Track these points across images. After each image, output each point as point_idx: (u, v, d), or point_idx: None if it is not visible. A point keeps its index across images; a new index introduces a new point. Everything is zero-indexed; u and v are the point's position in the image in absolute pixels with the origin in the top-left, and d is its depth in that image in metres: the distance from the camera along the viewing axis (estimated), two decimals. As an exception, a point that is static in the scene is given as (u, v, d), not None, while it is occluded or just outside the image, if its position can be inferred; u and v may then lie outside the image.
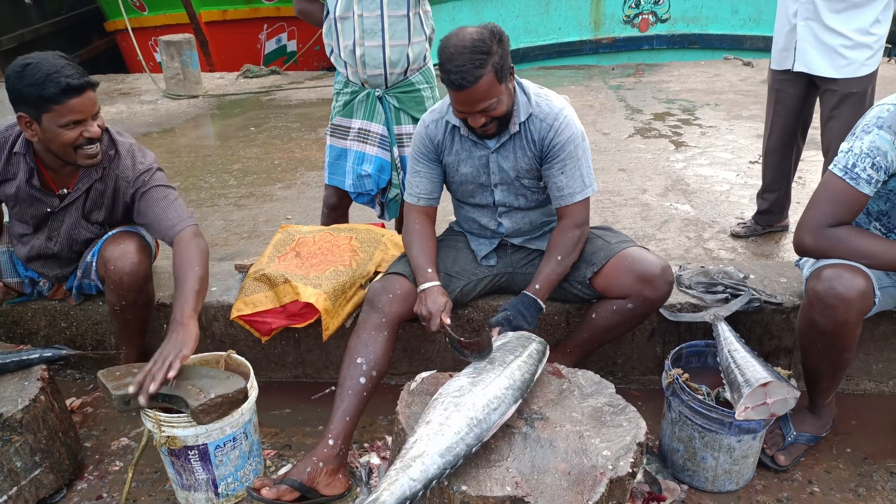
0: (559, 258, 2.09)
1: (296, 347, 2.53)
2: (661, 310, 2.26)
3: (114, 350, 2.51)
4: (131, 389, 1.76)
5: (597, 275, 2.12)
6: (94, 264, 2.25)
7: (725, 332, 2.04)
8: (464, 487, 1.46)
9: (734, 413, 1.80)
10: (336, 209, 2.90)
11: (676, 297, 2.35)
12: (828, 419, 2.14)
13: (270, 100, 6.58)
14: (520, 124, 2.06)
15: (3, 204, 2.28)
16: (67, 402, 2.34)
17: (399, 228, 2.92)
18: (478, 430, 1.51)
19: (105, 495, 2.04)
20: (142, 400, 1.74)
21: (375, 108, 2.65)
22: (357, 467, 2.07)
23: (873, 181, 1.81)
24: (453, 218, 2.41)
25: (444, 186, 2.28)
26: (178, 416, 1.82)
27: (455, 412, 1.54)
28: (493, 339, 1.83)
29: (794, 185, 3.29)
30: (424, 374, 1.84)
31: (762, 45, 8.00)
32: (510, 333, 1.92)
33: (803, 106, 3.00)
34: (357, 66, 2.58)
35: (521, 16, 8.11)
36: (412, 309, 2.07)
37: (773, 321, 2.34)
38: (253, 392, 1.97)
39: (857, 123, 1.87)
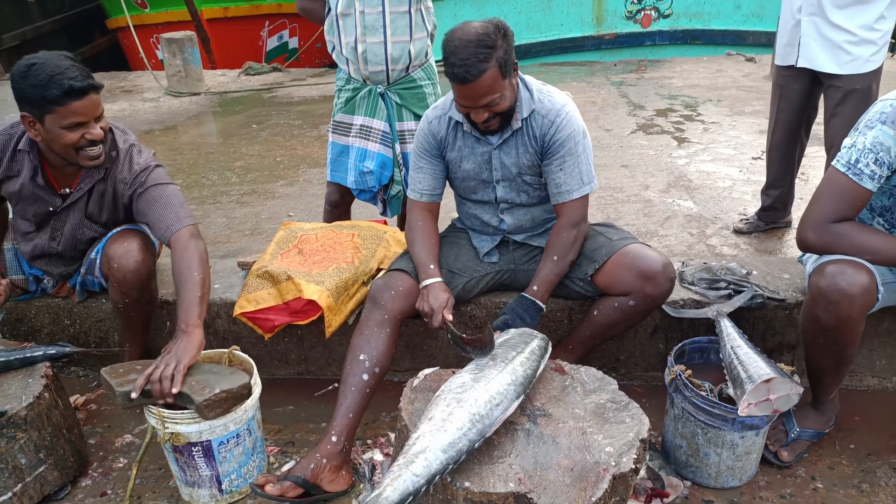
0: (556, 258, 2.09)
1: (299, 344, 2.54)
2: (663, 306, 2.26)
3: (117, 347, 2.51)
4: (133, 395, 1.77)
5: (598, 272, 2.12)
6: (97, 262, 2.25)
7: (728, 329, 2.04)
8: (467, 484, 1.46)
9: (737, 409, 1.80)
10: (338, 206, 2.90)
11: (679, 293, 2.35)
12: (831, 415, 2.14)
13: (272, 97, 6.58)
14: (522, 120, 2.05)
15: (7, 201, 2.28)
16: (71, 399, 2.35)
17: (401, 225, 2.93)
18: (480, 426, 1.52)
19: (109, 492, 2.05)
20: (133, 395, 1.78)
21: (377, 105, 2.65)
22: (360, 464, 2.08)
23: (876, 177, 1.80)
24: (456, 215, 2.41)
25: (447, 183, 2.28)
26: (182, 413, 1.83)
27: (457, 408, 1.54)
28: (494, 335, 1.83)
29: (797, 181, 3.29)
30: (427, 371, 1.84)
31: (765, 41, 7.98)
32: (512, 330, 1.92)
33: (807, 102, 2.99)
34: (359, 62, 2.58)
35: (522, 12, 8.10)
36: (415, 305, 2.07)
37: (775, 317, 2.34)
38: (256, 389, 1.97)
39: (860, 119, 1.87)
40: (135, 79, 7.46)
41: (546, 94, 2.07)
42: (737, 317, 2.21)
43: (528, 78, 2.09)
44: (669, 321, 2.35)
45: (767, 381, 1.77)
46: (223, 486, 1.96)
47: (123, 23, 8.28)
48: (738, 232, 3.32)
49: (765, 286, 2.36)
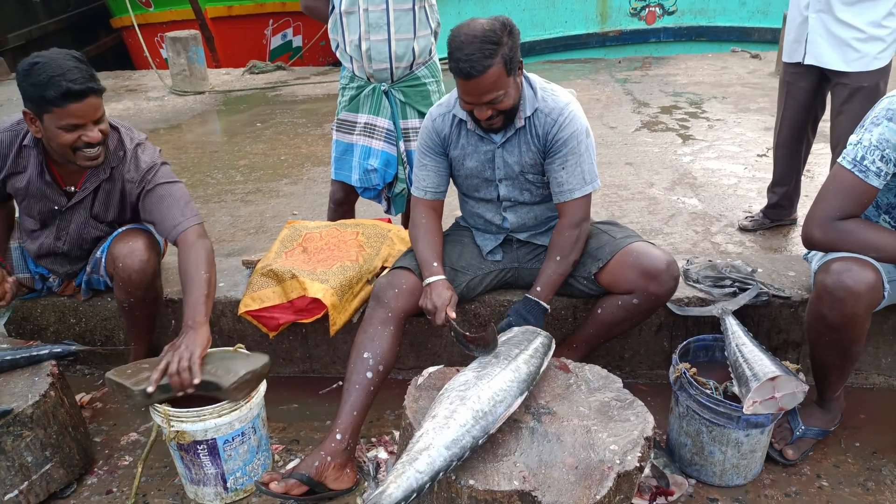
0: (558, 258, 2.08)
1: (303, 343, 2.54)
2: (668, 304, 2.25)
3: (122, 346, 2.52)
4: (150, 389, 1.78)
5: (602, 270, 2.11)
6: (103, 261, 2.26)
7: (733, 326, 2.04)
8: (471, 482, 1.47)
9: (742, 407, 1.79)
10: (342, 204, 2.90)
11: (684, 291, 2.34)
12: (836, 413, 2.13)
13: (276, 95, 6.58)
14: (525, 119, 2.05)
15: (13, 199, 2.29)
16: (77, 397, 2.36)
17: (405, 223, 2.93)
18: (483, 423, 1.52)
19: (115, 490, 2.06)
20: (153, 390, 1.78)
21: (381, 103, 2.65)
22: (365, 461, 2.08)
23: (882, 174, 1.79)
24: (459, 213, 2.41)
25: (451, 180, 2.28)
26: (187, 411, 1.83)
27: (461, 405, 1.54)
28: (497, 334, 1.83)
29: (802, 178, 3.27)
30: (431, 369, 1.84)
31: (770, 38, 7.95)
32: (515, 328, 1.92)
33: (814, 99, 2.97)
34: (363, 60, 2.58)
35: (527, 9, 8.09)
36: (418, 303, 2.07)
37: (781, 315, 2.33)
38: (261, 387, 1.98)
39: (866, 116, 1.86)
40: (139, 78, 7.48)
41: (550, 93, 2.07)
42: (742, 314, 2.20)
43: (532, 76, 2.08)
44: (674, 319, 2.35)
45: (773, 378, 1.76)
46: (228, 484, 1.96)
47: (128, 22, 8.30)
48: (743, 229, 3.31)
49: (770, 284, 2.35)
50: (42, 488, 1.95)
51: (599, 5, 8.37)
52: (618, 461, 1.51)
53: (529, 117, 2.05)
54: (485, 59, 1.84)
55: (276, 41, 9.29)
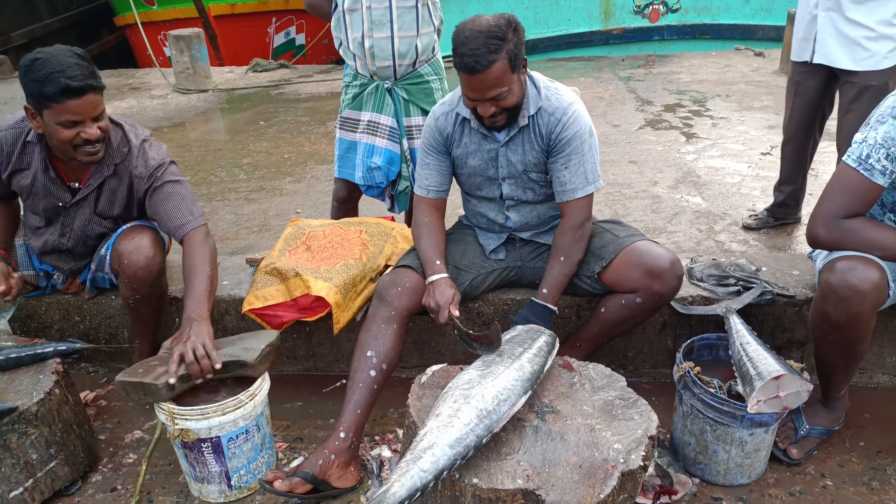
0: (562, 259, 2.08)
1: (307, 341, 2.54)
2: (672, 303, 2.25)
3: (127, 344, 2.53)
4: (172, 380, 1.80)
5: (606, 269, 2.11)
6: (108, 258, 2.26)
7: (737, 325, 2.03)
8: (475, 480, 1.47)
9: (746, 406, 1.79)
10: (346, 202, 2.90)
11: (688, 289, 2.34)
12: (841, 412, 2.12)
13: (279, 94, 6.58)
14: (529, 118, 2.05)
15: (19, 197, 2.30)
16: (81, 395, 2.37)
17: (409, 221, 2.93)
18: (487, 422, 1.52)
19: (119, 487, 2.06)
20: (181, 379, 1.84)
21: (385, 101, 2.65)
22: (368, 460, 2.08)
23: (888, 172, 1.78)
24: (462, 212, 2.41)
25: (454, 179, 2.28)
26: (192, 409, 1.84)
27: (464, 404, 1.54)
28: (501, 332, 1.83)
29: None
30: (435, 368, 1.84)
31: (774, 35, 7.92)
32: (519, 327, 1.92)
33: (822, 98, 2.95)
34: (366, 58, 2.57)
35: (530, 7, 8.07)
36: (422, 302, 2.07)
37: (785, 314, 2.33)
38: (265, 385, 1.98)
39: (872, 113, 1.85)
40: (143, 76, 7.49)
41: (554, 92, 2.06)
42: (746, 313, 2.20)
43: (535, 75, 2.08)
44: (678, 318, 2.35)
45: (777, 377, 1.76)
46: (232, 482, 1.97)
47: (131, 20, 8.31)
48: (747, 228, 3.30)
49: (774, 282, 2.35)
50: (47, 486, 1.96)
51: (603, 3, 8.35)
52: (621, 460, 1.51)
53: (533, 116, 2.05)
54: (489, 54, 1.83)
55: (279, 39, 9.29)
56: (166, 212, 2.14)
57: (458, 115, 2.11)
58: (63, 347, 2.07)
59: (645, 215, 3.50)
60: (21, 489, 1.90)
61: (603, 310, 2.13)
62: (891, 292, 1.84)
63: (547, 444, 1.57)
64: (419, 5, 2.52)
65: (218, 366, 1.86)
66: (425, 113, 2.63)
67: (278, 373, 2.54)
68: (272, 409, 2.10)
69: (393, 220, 2.71)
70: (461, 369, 1.76)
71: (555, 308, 2.06)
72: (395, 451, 2.12)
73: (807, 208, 3.29)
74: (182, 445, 1.91)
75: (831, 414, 2.10)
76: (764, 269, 2.45)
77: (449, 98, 2.17)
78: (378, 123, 2.68)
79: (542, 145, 2.07)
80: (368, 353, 2.00)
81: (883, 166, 1.78)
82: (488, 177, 2.17)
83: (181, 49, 6.59)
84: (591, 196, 2.09)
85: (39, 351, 2.04)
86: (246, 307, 2.35)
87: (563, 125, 2.03)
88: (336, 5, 2.59)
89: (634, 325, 2.18)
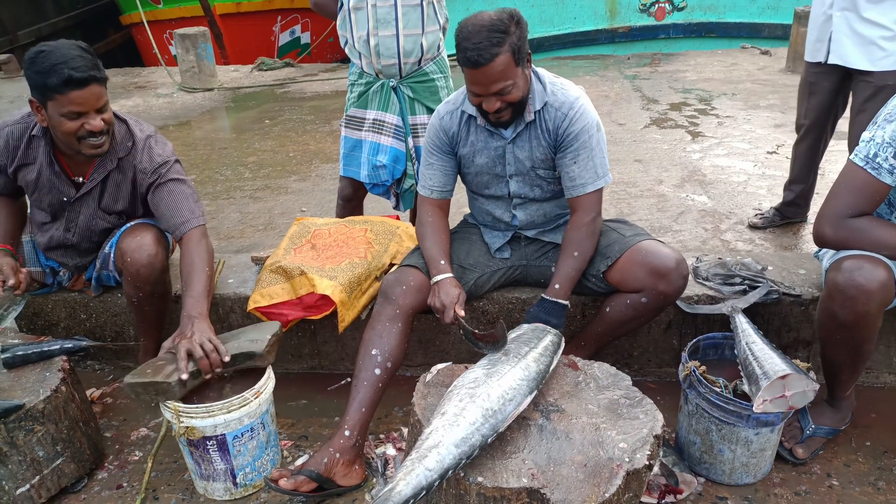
0: (576, 254, 2.07)
1: (312, 339, 2.55)
2: (677, 302, 2.25)
3: (132, 341, 2.54)
4: (184, 376, 1.81)
5: (611, 268, 2.10)
6: (111, 256, 2.27)
7: (743, 325, 2.03)
8: (480, 479, 1.47)
9: (752, 406, 1.78)
10: (351, 200, 2.91)
11: (693, 289, 2.33)
12: (847, 412, 2.12)
13: (285, 92, 6.59)
14: (535, 113, 2.04)
15: (25, 194, 2.31)
16: (88, 392, 2.38)
17: (413, 219, 2.93)
18: (493, 421, 1.52)
19: (125, 484, 2.07)
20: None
21: (390, 99, 2.65)
22: (373, 458, 2.08)
23: (895, 171, 1.78)
24: (468, 210, 2.41)
25: (459, 178, 2.27)
26: (197, 407, 1.84)
27: (470, 403, 1.54)
28: (506, 331, 1.83)
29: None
30: (440, 366, 1.84)
31: (780, 34, 7.90)
32: (525, 325, 1.92)
33: (836, 99, 2.91)
34: (371, 56, 2.57)
35: (535, 5, 8.06)
36: (427, 301, 2.07)
37: (791, 313, 2.32)
38: (270, 383, 1.99)
39: (879, 112, 1.84)
40: (148, 75, 7.50)
41: (559, 87, 2.06)
42: (752, 312, 2.19)
43: (540, 70, 2.07)
44: (683, 317, 2.34)
45: (783, 377, 1.75)
46: (237, 480, 1.97)
47: (137, 19, 8.34)
48: (752, 227, 3.29)
49: (780, 281, 2.34)
50: (53, 483, 1.97)
51: (609, 2, 8.34)
52: (627, 459, 1.50)
53: (539, 111, 2.04)
54: (492, 48, 1.83)
55: (284, 38, 9.31)
56: (167, 209, 2.16)
57: (463, 113, 2.11)
58: (69, 345, 2.08)
59: (650, 214, 3.50)
60: (28, 486, 1.91)
61: (608, 309, 2.13)
62: (898, 292, 1.83)
63: (552, 442, 1.57)
64: (424, 4, 2.52)
65: (227, 359, 1.88)
66: (430, 111, 2.63)
67: (283, 371, 2.55)
68: (277, 408, 2.10)
69: (398, 218, 2.71)
70: (466, 368, 1.76)
71: (567, 303, 2.05)
72: (399, 449, 2.12)
73: (814, 207, 3.28)
74: (187, 443, 1.91)
75: (837, 413, 2.09)
76: (770, 268, 2.44)
77: (454, 97, 2.16)
78: (383, 122, 2.68)
79: (550, 141, 2.06)
80: (373, 352, 2.00)
81: (891, 165, 1.77)
82: (496, 174, 2.16)
83: (187, 48, 6.60)
84: (601, 191, 2.09)
85: (46, 348, 2.04)
86: (251, 305, 2.35)
87: (570, 120, 2.02)
88: (342, 4, 2.59)
89: (640, 324, 2.17)
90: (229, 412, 1.86)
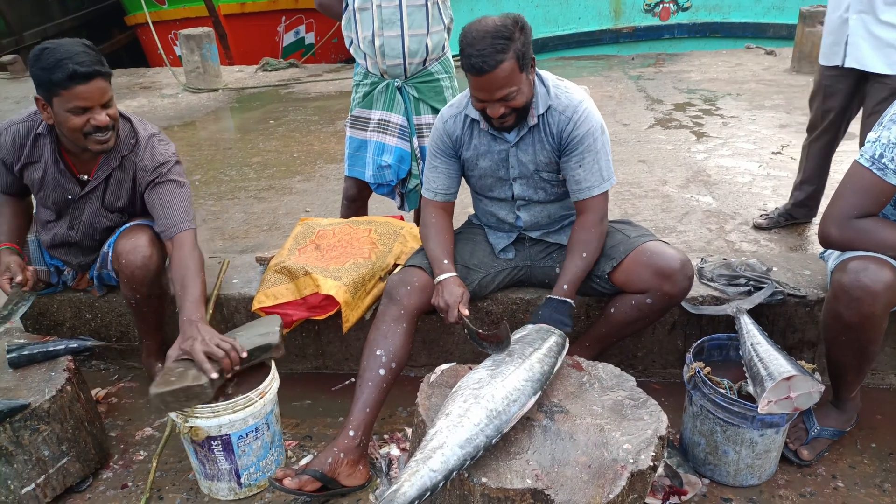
0: (584, 255, 2.06)
1: (316, 339, 2.55)
2: (682, 303, 2.24)
3: (137, 341, 2.54)
4: (215, 375, 1.82)
5: (616, 269, 2.10)
6: (109, 256, 2.28)
7: (748, 325, 2.02)
8: (484, 479, 1.47)
9: (757, 407, 1.78)
10: (356, 200, 2.91)
11: (698, 289, 2.33)
12: (852, 413, 2.11)
13: (289, 93, 6.60)
14: (538, 117, 2.04)
15: (31, 193, 2.32)
16: (93, 392, 2.38)
17: (418, 220, 2.93)
18: (497, 422, 1.51)
19: (130, 484, 2.08)
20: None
21: (395, 99, 2.65)
22: (377, 458, 2.08)
23: (901, 172, 1.77)
24: (472, 210, 2.41)
25: (463, 180, 2.27)
26: (202, 407, 1.84)
27: (474, 404, 1.54)
28: (510, 331, 1.82)
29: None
30: (444, 367, 1.84)
31: (785, 34, 7.87)
32: (529, 326, 1.92)
33: (851, 101, 2.88)
34: (376, 56, 2.58)
35: (540, 5, 8.05)
36: (431, 301, 2.07)
37: (796, 314, 2.32)
38: (275, 383, 1.99)
39: (886, 113, 1.84)
40: (153, 75, 7.53)
41: (563, 90, 2.06)
42: (757, 313, 2.18)
43: (544, 73, 2.07)
44: (688, 318, 2.34)
45: (788, 378, 1.75)
46: (242, 480, 1.97)
47: (142, 19, 8.36)
48: (757, 228, 3.28)
49: (785, 282, 2.33)
50: (58, 482, 1.97)
51: (613, 2, 8.32)
52: (631, 460, 1.50)
53: (543, 115, 2.04)
54: (497, 54, 1.83)
55: (288, 38, 9.32)
56: (162, 208, 2.16)
57: (466, 116, 2.11)
58: (74, 345, 2.08)
59: (655, 215, 3.49)
60: (33, 485, 1.91)
61: (613, 310, 2.12)
62: (904, 293, 1.82)
63: (556, 443, 1.56)
64: (429, 4, 2.52)
65: (244, 354, 1.90)
66: (436, 111, 2.63)
67: (288, 371, 2.55)
68: (281, 408, 2.11)
69: (402, 218, 2.71)
70: (470, 368, 1.76)
71: (573, 302, 2.04)
72: (403, 449, 2.12)
73: (820, 209, 3.27)
74: (192, 443, 1.92)
75: (843, 415, 2.08)
76: (775, 268, 2.43)
77: (457, 100, 2.16)
78: (388, 122, 2.68)
79: (554, 144, 2.06)
80: (378, 352, 2.00)
81: (897, 166, 1.76)
82: (499, 178, 2.16)
83: (191, 48, 6.62)
84: (606, 193, 2.09)
85: (51, 348, 2.05)
86: (256, 305, 2.35)
87: (574, 123, 2.02)
88: (346, 4, 2.60)
89: (644, 325, 2.17)
90: (234, 412, 1.86)
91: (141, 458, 2.19)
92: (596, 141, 2.03)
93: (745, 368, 1.91)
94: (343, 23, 2.66)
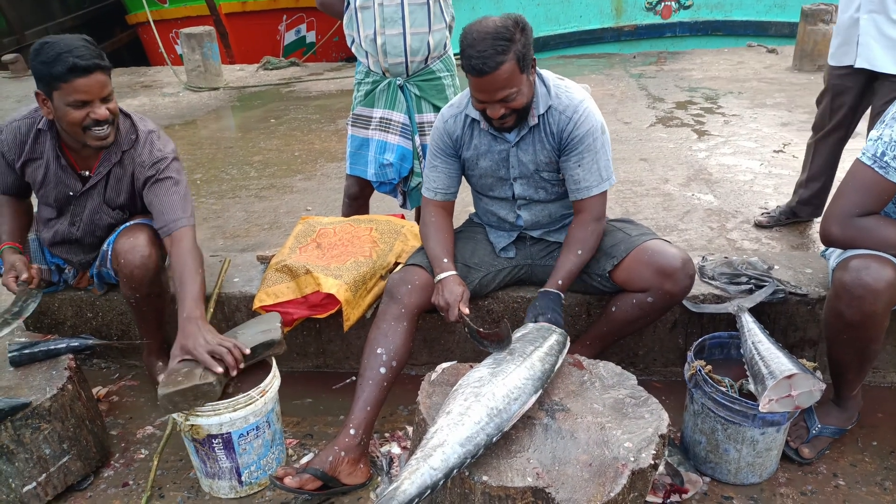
0: (580, 252, 2.06)
1: (317, 338, 2.55)
2: (683, 301, 2.24)
3: (138, 340, 2.54)
4: (220, 369, 1.84)
5: (617, 268, 2.10)
6: (108, 254, 2.28)
7: (749, 324, 2.02)
8: (485, 478, 1.46)
9: (758, 405, 1.78)
10: (357, 199, 2.91)
11: (699, 288, 2.33)
12: (853, 412, 2.11)
13: (290, 91, 6.60)
14: (539, 116, 2.04)
15: (32, 192, 2.32)
16: (94, 390, 2.39)
17: (419, 219, 2.93)
18: (498, 420, 1.51)
19: (131, 482, 2.08)
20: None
21: (397, 97, 2.65)
22: (378, 457, 2.09)
23: (903, 170, 1.76)
24: (473, 209, 2.41)
25: (464, 179, 2.27)
26: (203, 407, 1.84)
27: (475, 402, 1.54)
28: (511, 330, 1.82)
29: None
30: (445, 365, 1.84)
31: (787, 32, 7.85)
32: (530, 325, 1.92)
33: (861, 101, 2.85)
34: (378, 54, 2.58)
35: (541, 4, 8.04)
36: (431, 300, 2.07)
37: (797, 312, 2.31)
38: (275, 381, 1.99)
39: (887, 111, 1.83)
40: (154, 74, 7.53)
41: (563, 90, 2.05)
42: (758, 312, 2.18)
43: (544, 72, 2.07)
44: (689, 316, 2.33)
45: (789, 376, 1.75)
46: (243, 478, 1.98)
47: (143, 18, 8.37)
48: (759, 226, 3.27)
49: (786, 281, 2.33)
50: (60, 480, 1.98)
51: (614, 0, 8.31)
52: (632, 458, 1.50)
53: (543, 115, 2.04)
54: (497, 56, 1.83)
55: (289, 37, 9.32)
56: (161, 204, 2.16)
57: (466, 116, 2.11)
58: (76, 343, 2.09)
59: (656, 213, 3.49)
60: (34, 484, 1.91)
61: (614, 309, 2.12)
62: (905, 291, 1.82)
63: (557, 442, 1.56)
64: (431, 2, 2.52)
65: (247, 352, 1.90)
66: (437, 109, 2.63)
67: (288, 369, 2.55)
68: (282, 406, 2.11)
69: (403, 217, 2.71)
70: (471, 367, 1.76)
71: (563, 294, 2.04)
72: (404, 448, 2.13)
73: (824, 207, 3.26)
74: (193, 441, 1.92)
75: (844, 413, 2.08)
76: (776, 267, 2.43)
77: (457, 100, 2.16)
78: (390, 120, 2.68)
79: (554, 144, 2.06)
80: (378, 351, 2.00)
81: (898, 164, 1.75)
82: (500, 177, 2.16)
83: (193, 47, 6.61)
84: (605, 193, 2.09)
85: (52, 347, 2.05)
86: (257, 304, 2.35)
87: (574, 123, 2.01)
88: (348, 3, 2.60)
89: (645, 324, 2.17)
90: (235, 410, 1.86)
91: (142, 456, 2.19)
92: (596, 141, 2.03)
93: (746, 367, 1.91)
94: (344, 21, 2.66)
